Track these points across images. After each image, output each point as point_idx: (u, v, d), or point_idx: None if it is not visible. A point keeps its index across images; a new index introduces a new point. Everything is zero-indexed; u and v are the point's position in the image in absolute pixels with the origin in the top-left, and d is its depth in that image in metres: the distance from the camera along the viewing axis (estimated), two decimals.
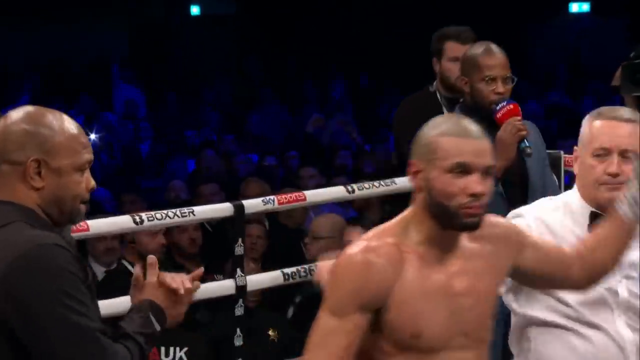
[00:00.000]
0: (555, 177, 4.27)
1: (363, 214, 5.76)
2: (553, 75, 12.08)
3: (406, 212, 2.10)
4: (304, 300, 4.30)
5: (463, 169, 2.01)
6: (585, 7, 12.95)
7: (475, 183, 2.01)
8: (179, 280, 2.11)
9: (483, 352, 2.15)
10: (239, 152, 8.44)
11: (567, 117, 8.81)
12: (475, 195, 2.01)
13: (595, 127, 2.46)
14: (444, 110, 4.01)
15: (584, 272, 2.26)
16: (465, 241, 2.11)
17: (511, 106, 3.49)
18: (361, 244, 2.07)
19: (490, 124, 3.40)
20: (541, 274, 2.25)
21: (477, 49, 3.66)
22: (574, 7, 13.21)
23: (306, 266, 3.81)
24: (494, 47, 3.63)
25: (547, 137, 4.19)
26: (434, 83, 4.19)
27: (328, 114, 10.48)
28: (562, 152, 4.46)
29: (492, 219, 2.17)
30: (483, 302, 2.12)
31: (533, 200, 3.31)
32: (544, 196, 3.33)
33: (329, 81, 12.33)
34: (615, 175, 2.36)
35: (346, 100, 11.42)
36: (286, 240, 5.04)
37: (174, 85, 12.07)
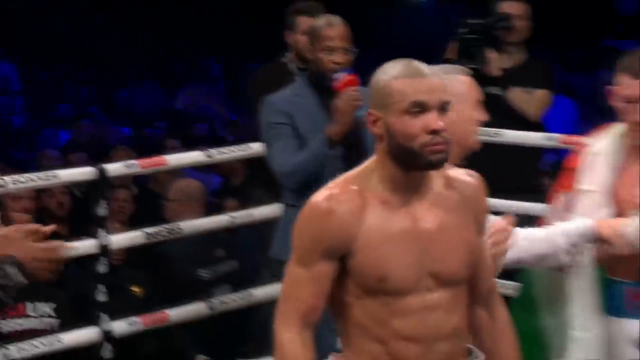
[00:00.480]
0: None
1: (228, 179, 6.02)
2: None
3: (368, 161, 2.08)
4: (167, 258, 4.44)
5: (420, 108, 1.98)
6: None
7: (433, 120, 1.97)
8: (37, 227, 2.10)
9: (456, 295, 2.08)
10: (109, 124, 8.54)
11: None
12: (436, 132, 1.98)
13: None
14: (295, 79, 4.10)
15: (470, 320, 2.17)
16: (435, 188, 2.07)
17: (349, 77, 3.57)
18: (323, 192, 2.04)
19: (331, 91, 3.56)
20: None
21: (320, 20, 3.76)
22: None
23: (167, 226, 3.97)
24: (336, 19, 3.72)
25: None
26: (287, 54, 4.33)
27: (199, 89, 10.65)
28: None
29: (472, 180, 2.14)
30: (453, 245, 2.07)
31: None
32: None
33: (204, 58, 12.48)
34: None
35: (221, 76, 11.63)
36: (152, 204, 5.16)
37: (48, 61, 11.97)
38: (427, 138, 1.96)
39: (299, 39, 4.19)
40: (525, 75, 4.52)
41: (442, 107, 1.99)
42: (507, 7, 4.54)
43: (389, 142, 2.00)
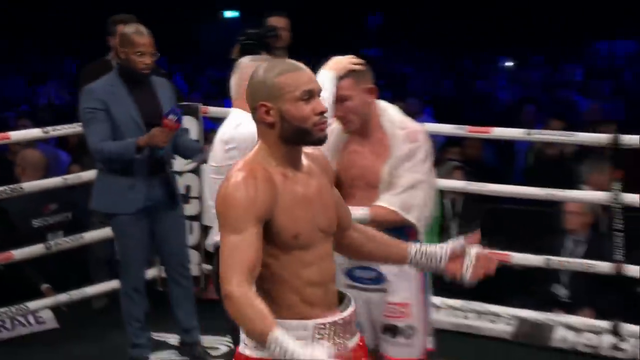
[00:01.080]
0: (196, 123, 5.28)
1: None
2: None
3: (257, 147, 2.26)
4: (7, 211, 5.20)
5: (309, 95, 2.20)
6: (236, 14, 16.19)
7: (319, 104, 2.22)
8: None
9: (331, 244, 2.35)
10: None
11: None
12: (322, 113, 2.22)
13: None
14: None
15: (346, 244, 2.48)
16: (304, 162, 2.29)
17: (175, 123, 4.09)
18: (238, 172, 2.19)
19: (142, 83, 4.27)
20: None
21: (130, 28, 4.26)
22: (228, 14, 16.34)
23: (10, 186, 4.75)
24: (144, 28, 4.30)
25: None
26: (109, 54, 5.08)
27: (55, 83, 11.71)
28: (199, 104, 5.50)
29: (318, 152, 2.39)
30: (328, 203, 2.31)
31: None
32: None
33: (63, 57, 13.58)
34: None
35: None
36: (7, 170, 5.75)
37: None
38: (317, 119, 2.21)
39: (117, 43, 4.79)
40: None
41: (319, 94, 2.24)
42: (275, 21, 5.39)
43: (282, 126, 2.20)
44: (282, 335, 2.07)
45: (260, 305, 2.11)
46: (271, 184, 2.18)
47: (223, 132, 3.42)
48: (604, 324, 4.54)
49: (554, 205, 5.20)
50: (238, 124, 3.34)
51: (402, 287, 3.12)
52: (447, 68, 14.00)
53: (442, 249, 2.46)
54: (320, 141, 2.24)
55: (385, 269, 3.13)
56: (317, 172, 2.30)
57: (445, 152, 6.15)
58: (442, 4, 15.97)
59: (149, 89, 4.35)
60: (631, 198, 4.46)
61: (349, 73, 3.19)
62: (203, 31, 14.18)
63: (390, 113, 3.23)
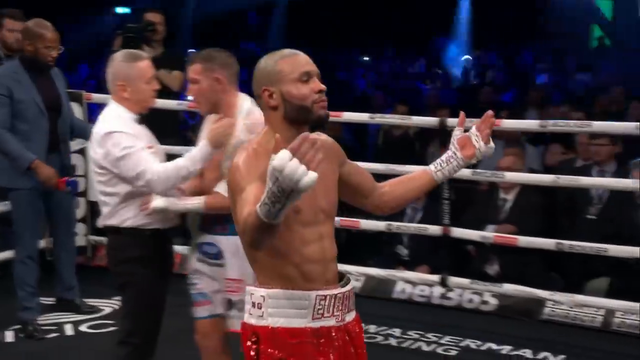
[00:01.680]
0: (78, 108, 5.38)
1: None
2: None
3: (263, 131, 2.23)
4: None
5: (307, 76, 2.20)
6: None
7: (317, 83, 2.21)
8: None
9: (332, 226, 2.28)
10: None
11: None
12: (322, 91, 2.20)
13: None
14: (3, 62, 4.86)
15: (381, 201, 2.46)
16: None
17: (67, 188, 4.49)
18: (242, 150, 2.21)
19: (43, 72, 4.48)
20: (351, 185, 2.40)
21: (36, 23, 4.47)
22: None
23: None
24: (49, 24, 4.47)
25: None
26: None
27: None
28: (83, 92, 5.65)
29: (327, 137, 2.36)
30: (329, 186, 2.27)
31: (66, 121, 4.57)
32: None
33: None
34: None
35: None
36: None
37: None
38: (316, 96, 2.19)
39: (5, 35, 4.96)
40: (166, 61, 5.39)
41: (317, 76, 2.22)
42: (151, 17, 5.60)
43: (285, 108, 2.19)
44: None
45: None
46: (268, 156, 2.06)
47: (97, 128, 3.27)
48: (435, 277, 4.92)
49: None
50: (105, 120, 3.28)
51: (237, 264, 3.09)
52: (314, 62, 14.34)
53: (451, 152, 2.45)
54: (321, 118, 2.22)
55: (225, 246, 3.16)
56: (324, 157, 2.09)
57: None
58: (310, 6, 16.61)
59: (49, 78, 4.57)
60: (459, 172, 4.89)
61: (199, 58, 3.20)
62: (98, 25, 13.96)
63: (244, 105, 3.19)
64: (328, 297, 2.21)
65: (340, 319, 2.25)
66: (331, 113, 5.30)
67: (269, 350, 2.17)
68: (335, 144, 2.37)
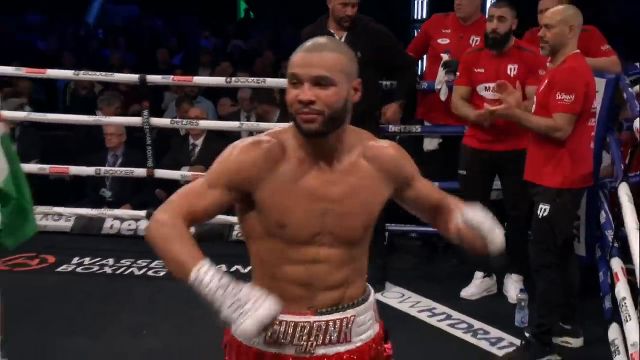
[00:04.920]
0: None
1: None
2: None
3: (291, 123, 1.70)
4: None
5: (296, 80, 1.63)
6: None
7: (304, 92, 1.62)
8: None
9: (350, 253, 1.73)
10: None
11: None
12: (302, 102, 1.62)
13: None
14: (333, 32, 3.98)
15: (443, 217, 1.83)
16: (353, 157, 1.71)
17: None
18: (254, 137, 1.71)
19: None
20: (416, 210, 1.87)
21: None
22: None
23: None
24: None
25: None
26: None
27: None
28: None
29: (389, 150, 1.75)
30: (355, 212, 1.71)
31: None
32: None
33: None
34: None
35: None
36: None
37: None
38: (298, 107, 1.63)
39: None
40: None
41: (317, 82, 1.62)
42: None
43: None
44: (208, 271, 1.53)
45: (190, 238, 1.63)
46: (270, 163, 1.68)
47: None
48: (142, 212, 4.86)
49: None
50: None
51: None
52: None
53: None
54: (304, 133, 1.64)
55: None
56: (364, 174, 1.71)
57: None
58: None
59: None
60: (157, 121, 4.89)
61: None
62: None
63: None
64: (286, 323, 1.69)
65: (304, 349, 1.72)
66: (32, 70, 5.00)
67: None
68: (396, 162, 1.76)
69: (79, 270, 4.48)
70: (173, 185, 5.10)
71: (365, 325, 1.77)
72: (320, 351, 1.73)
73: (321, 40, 1.69)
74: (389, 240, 4.65)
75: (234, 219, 4.76)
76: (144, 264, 4.54)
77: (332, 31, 4.00)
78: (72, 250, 4.72)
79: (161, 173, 4.87)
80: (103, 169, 4.98)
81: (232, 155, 1.68)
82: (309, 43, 1.67)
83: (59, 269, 4.49)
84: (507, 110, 3.39)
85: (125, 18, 12.54)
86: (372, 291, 1.83)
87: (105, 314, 3.86)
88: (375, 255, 4.04)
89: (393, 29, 4.26)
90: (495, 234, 1.71)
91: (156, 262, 4.53)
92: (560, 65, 3.27)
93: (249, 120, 5.89)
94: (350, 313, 1.74)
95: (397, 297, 4.15)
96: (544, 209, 3.31)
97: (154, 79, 4.82)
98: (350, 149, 1.71)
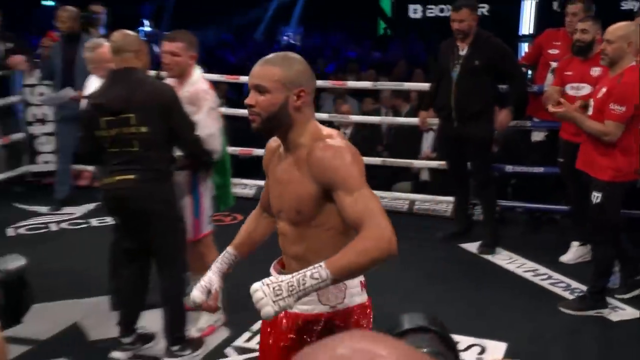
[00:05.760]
0: None
1: None
2: None
3: None
4: None
5: (249, 88, 1.67)
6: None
7: (249, 97, 1.65)
8: None
9: (301, 232, 1.67)
10: None
11: None
12: (247, 105, 1.65)
13: None
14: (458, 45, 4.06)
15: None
16: (299, 152, 1.66)
17: None
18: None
19: None
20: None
21: None
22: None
23: None
24: None
25: None
26: None
27: None
28: None
29: (319, 153, 1.60)
30: (290, 196, 1.67)
31: None
32: None
33: None
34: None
35: None
36: None
37: None
38: (247, 109, 1.66)
39: None
40: None
41: (256, 89, 1.64)
42: (94, 8, 5.28)
43: None
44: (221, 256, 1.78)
45: (243, 225, 1.86)
46: (269, 154, 1.78)
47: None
48: None
49: None
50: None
51: None
52: None
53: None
54: (254, 130, 1.68)
55: None
56: (296, 166, 1.66)
57: None
58: None
59: None
60: (317, 115, 5.08)
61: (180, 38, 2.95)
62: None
63: (195, 74, 3.01)
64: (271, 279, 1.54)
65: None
66: None
67: None
68: (319, 164, 1.60)
69: None
70: None
71: (306, 299, 1.58)
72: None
73: (269, 56, 1.67)
74: (500, 213, 4.74)
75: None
76: None
77: (458, 44, 4.06)
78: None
79: None
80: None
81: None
82: (263, 58, 1.67)
83: None
84: (564, 113, 3.36)
85: (295, 35, 13.03)
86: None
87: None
88: (486, 225, 4.28)
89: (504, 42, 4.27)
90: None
91: None
92: (618, 77, 3.25)
93: (387, 115, 6.11)
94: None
95: (506, 259, 4.24)
96: (596, 196, 3.33)
97: (318, 83, 5.10)
98: (299, 145, 1.66)
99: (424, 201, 5.07)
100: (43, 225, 4.65)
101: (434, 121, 4.52)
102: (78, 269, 3.90)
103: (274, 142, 1.77)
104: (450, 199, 4.75)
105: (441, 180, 5.03)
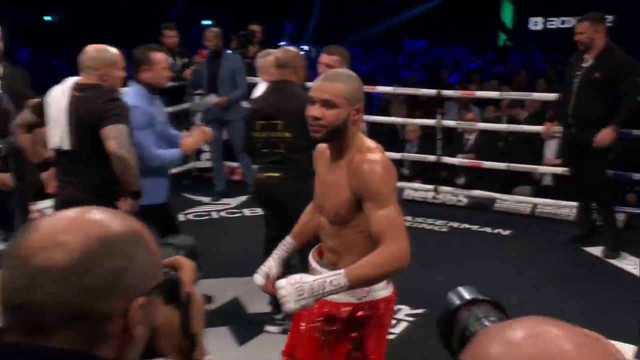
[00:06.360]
0: None
1: None
2: None
3: None
4: None
5: (312, 100, 1.65)
6: None
7: (310, 109, 1.64)
8: None
9: (337, 230, 1.69)
10: None
11: None
12: (311, 117, 1.64)
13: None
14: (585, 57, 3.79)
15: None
16: (343, 161, 1.67)
17: None
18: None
19: None
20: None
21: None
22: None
23: None
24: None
25: None
26: None
27: None
28: None
29: (359, 165, 1.61)
30: (330, 198, 1.69)
31: None
32: None
33: None
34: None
35: None
36: None
37: None
38: (310, 120, 1.65)
39: None
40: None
41: (324, 103, 1.62)
42: (252, 27, 5.34)
43: None
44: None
45: (301, 216, 1.91)
46: (318, 156, 1.80)
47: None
48: (430, 186, 4.84)
49: None
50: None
51: None
52: None
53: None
54: (313, 139, 1.70)
55: None
56: (339, 174, 1.66)
57: None
58: None
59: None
60: (446, 122, 4.92)
61: (335, 52, 2.88)
62: None
63: None
64: (310, 263, 1.78)
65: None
66: None
67: None
68: (357, 175, 1.61)
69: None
70: (451, 168, 5.33)
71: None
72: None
73: (332, 72, 1.68)
74: (627, 220, 4.33)
75: (495, 194, 4.76)
76: (430, 221, 4.57)
77: (584, 56, 3.79)
78: None
79: (446, 159, 4.91)
80: (405, 154, 5.18)
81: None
82: (325, 74, 1.68)
83: None
84: None
85: (417, 48, 12.79)
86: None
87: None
88: (607, 229, 3.95)
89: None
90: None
91: (439, 222, 4.61)
92: None
93: (507, 123, 5.75)
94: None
95: (631, 264, 3.86)
96: None
97: (447, 93, 4.95)
98: (345, 154, 1.67)
99: (546, 205, 4.72)
100: (206, 213, 4.82)
101: (558, 128, 4.18)
102: (233, 252, 4.03)
103: (317, 150, 1.81)
104: (573, 203, 4.40)
105: (563, 185, 4.67)
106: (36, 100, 2.69)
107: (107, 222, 0.68)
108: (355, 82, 1.67)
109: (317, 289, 1.50)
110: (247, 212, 4.84)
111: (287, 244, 1.89)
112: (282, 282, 1.52)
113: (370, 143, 1.67)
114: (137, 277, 0.68)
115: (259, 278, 1.85)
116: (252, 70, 4.96)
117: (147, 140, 2.72)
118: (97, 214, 0.69)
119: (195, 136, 2.82)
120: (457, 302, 0.84)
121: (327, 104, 1.63)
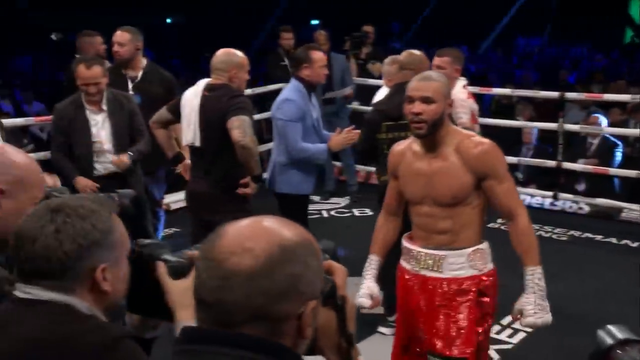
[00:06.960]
0: None
1: None
2: None
3: None
4: None
5: (409, 99, 1.84)
6: None
7: (412, 106, 1.82)
8: None
9: (449, 211, 1.85)
10: None
11: None
12: (413, 114, 1.82)
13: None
14: None
15: (509, 226, 1.89)
16: (449, 147, 1.84)
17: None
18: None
19: None
20: (491, 203, 1.89)
21: None
22: None
23: None
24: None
25: None
26: None
27: None
28: None
29: (476, 148, 1.83)
30: (442, 184, 1.84)
31: None
32: None
33: None
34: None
35: None
36: None
37: None
38: (411, 117, 1.83)
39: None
40: (371, 56, 5.09)
41: (423, 100, 1.81)
42: (366, 28, 5.24)
43: None
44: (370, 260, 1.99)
45: (376, 232, 2.02)
46: (398, 157, 1.95)
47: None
48: (549, 193, 4.66)
49: None
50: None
51: None
52: None
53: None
54: (415, 135, 1.87)
55: None
56: (448, 161, 1.84)
57: None
58: None
59: None
60: (569, 126, 4.62)
61: (446, 54, 2.95)
62: None
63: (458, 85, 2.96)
64: (412, 250, 1.94)
65: (413, 268, 1.94)
66: None
67: None
68: (477, 157, 1.83)
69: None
70: (571, 174, 5.00)
71: (455, 265, 1.88)
72: (422, 272, 1.92)
73: (427, 73, 1.91)
74: None
75: (622, 203, 4.49)
76: (549, 229, 4.40)
77: None
78: None
79: (567, 165, 4.67)
80: (520, 158, 5.00)
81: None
82: (418, 76, 1.87)
83: None
84: None
85: (533, 46, 12.20)
86: (474, 248, 1.88)
87: None
88: None
89: None
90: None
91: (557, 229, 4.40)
92: None
93: (635, 126, 5.35)
94: (442, 253, 1.89)
95: None
96: None
97: (571, 95, 4.73)
98: (444, 143, 1.84)
99: None
100: (317, 212, 4.90)
101: None
102: (346, 252, 4.05)
103: (397, 146, 1.98)
104: None
105: None
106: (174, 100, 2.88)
107: (285, 231, 0.74)
108: (445, 80, 1.89)
109: (540, 291, 1.84)
110: (356, 212, 4.87)
111: (374, 262, 2.03)
112: (529, 306, 1.83)
113: (461, 130, 1.93)
114: (310, 283, 0.74)
115: (365, 301, 1.96)
116: (364, 72, 4.99)
117: (296, 132, 2.77)
118: (275, 223, 0.74)
119: (345, 136, 2.85)
120: (610, 341, 0.85)
121: (426, 100, 1.81)
